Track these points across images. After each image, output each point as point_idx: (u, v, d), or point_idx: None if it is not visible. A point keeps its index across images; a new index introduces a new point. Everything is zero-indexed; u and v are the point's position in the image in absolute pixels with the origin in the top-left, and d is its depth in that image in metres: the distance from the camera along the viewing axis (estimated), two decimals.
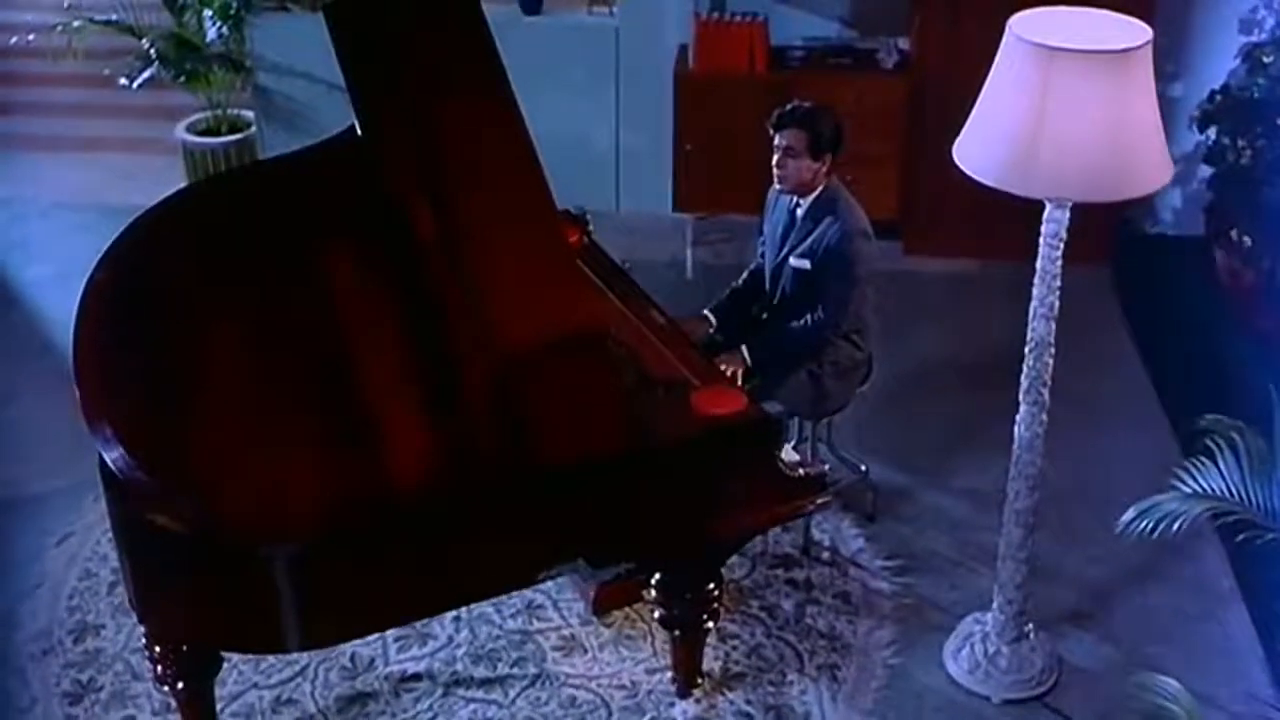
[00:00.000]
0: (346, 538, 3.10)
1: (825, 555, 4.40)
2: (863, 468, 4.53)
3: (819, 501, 3.63)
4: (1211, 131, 5.74)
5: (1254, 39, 5.69)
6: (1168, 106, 5.90)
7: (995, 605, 3.90)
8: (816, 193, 4.15)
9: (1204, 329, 5.45)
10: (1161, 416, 5.12)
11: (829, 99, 5.74)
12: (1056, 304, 3.50)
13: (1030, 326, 3.54)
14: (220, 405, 3.31)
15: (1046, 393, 3.59)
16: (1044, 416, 3.63)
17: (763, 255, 4.40)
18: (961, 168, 3.36)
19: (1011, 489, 3.75)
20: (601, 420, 3.31)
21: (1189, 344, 5.41)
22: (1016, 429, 3.67)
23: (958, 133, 5.91)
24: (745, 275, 4.43)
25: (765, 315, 4.30)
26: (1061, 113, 3.08)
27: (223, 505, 3.12)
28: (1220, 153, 5.68)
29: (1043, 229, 3.42)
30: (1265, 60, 5.51)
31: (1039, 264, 3.45)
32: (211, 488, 3.15)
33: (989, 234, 6.00)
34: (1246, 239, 5.09)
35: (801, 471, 3.55)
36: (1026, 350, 3.58)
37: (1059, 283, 3.48)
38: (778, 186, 4.20)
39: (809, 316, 4.11)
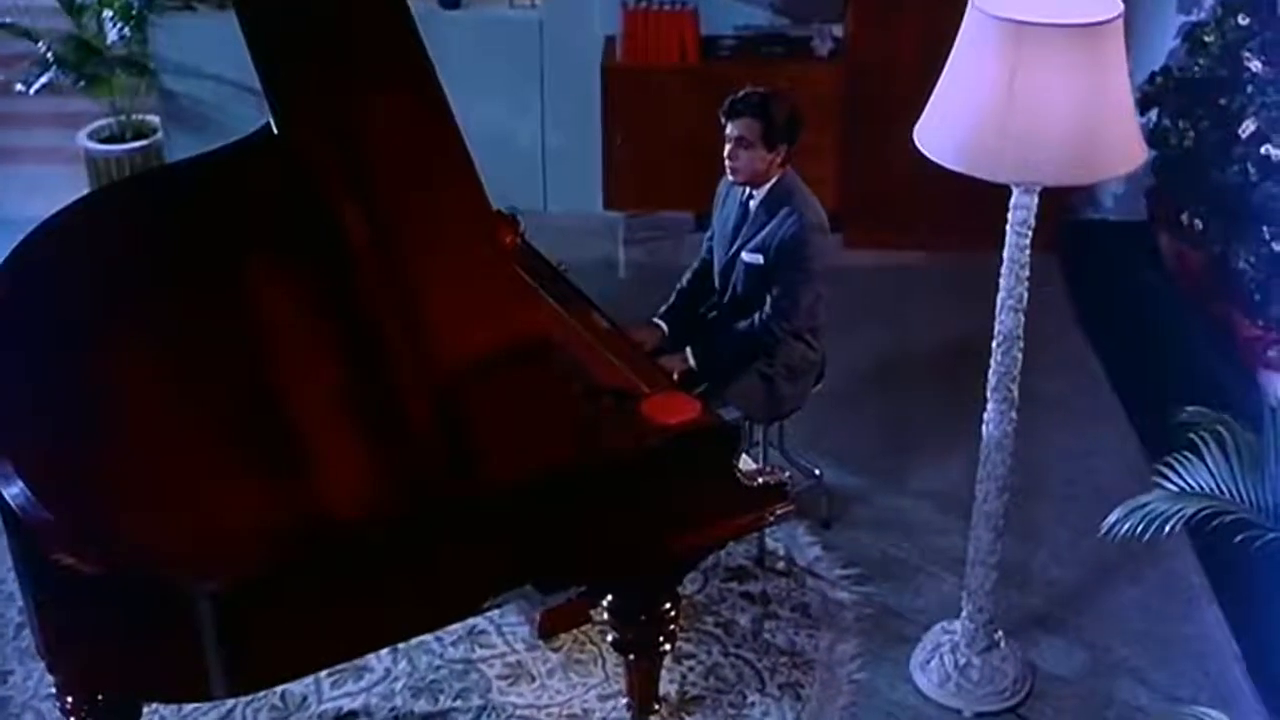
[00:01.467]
0: (280, 573, 2.84)
1: (781, 565, 4.19)
2: (817, 472, 4.33)
3: (780, 511, 3.41)
4: (1153, 114, 5.63)
5: (1193, 18, 5.57)
6: None
7: (964, 613, 3.72)
8: (770, 184, 3.95)
9: (1153, 315, 5.32)
10: (1117, 406, 4.99)
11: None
12: (1025, 295, 3.32)
13: (997, 319, 3.36)
14: (136, 433, 3.03)
15: (1015, 389, 3.41)
16: (1013, 414, 3.45)
17: (710, 251, 4.19)
18: (925, 152, 3.16)
19: (980, 490, 3.57)
20: (549, 434, 3.07)
21: (1139, 331, 5.28)
22: (985, 428, 3.49)
23: (897, 121, 5.74)
24: (689, 274, 4.21)
25: (714, 314, 4.08)
26: (1031, 92, 2.90)
27: (141, 542, 2.84)
28: (1163, 135, 5.54)
29: (1010, 216, 3.24)
30: (1206, 40, 5.38)
31: (1006, 253, 3.27)
32: (128, 524, 2.88)
33: (931, 225, 5.85)
34: (1198, 222, 4.95)
35: (760, 480, 3.34)
36: (994, 345, 3.40)
37: (1028, 273, 3.30)
38: (730, 179, 3.99)
39: (757, 314, 3.90)
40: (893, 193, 5.77)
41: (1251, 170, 4.89)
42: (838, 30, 5.71)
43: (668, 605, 3.42)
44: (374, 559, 2.95)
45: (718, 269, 4.09)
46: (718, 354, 3.88)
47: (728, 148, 3.93)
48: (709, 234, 4.22)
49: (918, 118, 5.78)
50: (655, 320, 4.10)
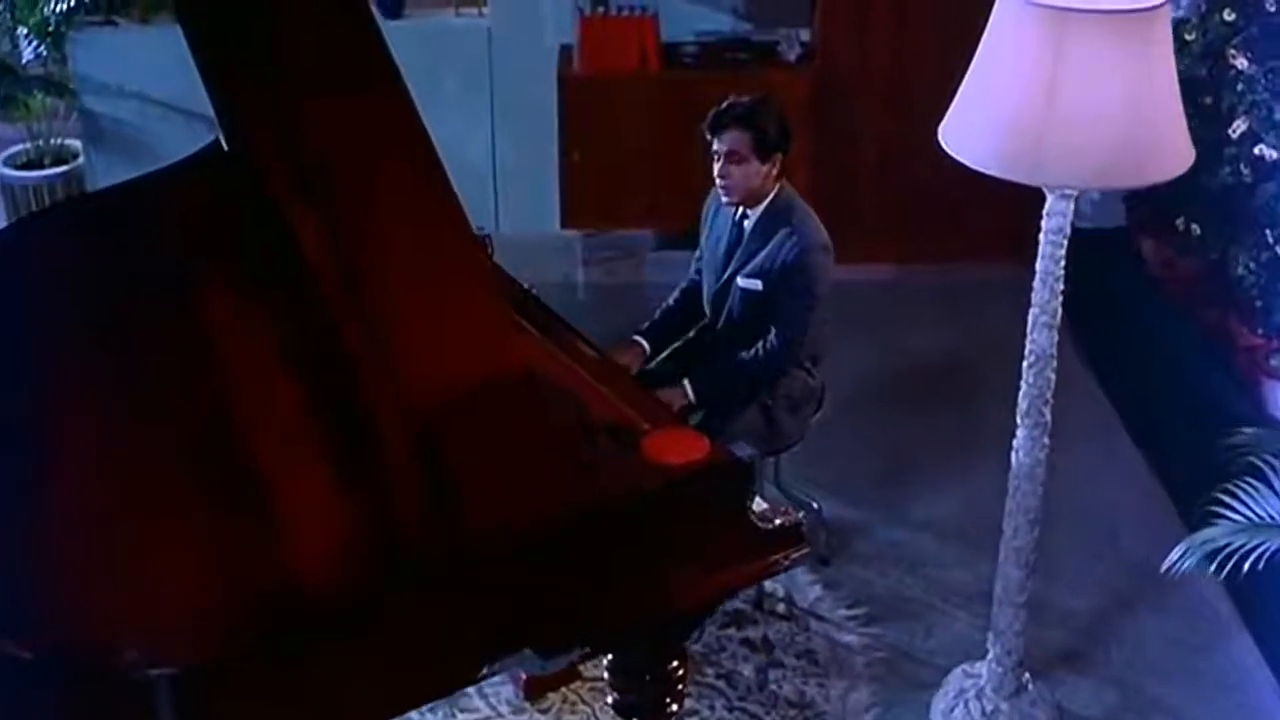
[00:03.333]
0: (245, 649, 2.48)
1: (781, 608, 3.88)
2: (815, 505, 4.02)
3: (795, 555, 3.09)
4: None
5: (1174, 15, 5.34)
6: None
7: (991, 656, 3.42)
8: (767, 201, 3.64)
9: (1145, 326, 5.08)
10: (1116, 422, 4.74)
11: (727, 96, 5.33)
12: (1059, 311, 3.04)
13: (1029, 338, 3.07)
14: (77, 488, 2.66)
15: (1049, 412, 3.13)
16: (1046, 440, 3.16)
17: (698, 273, 3.87)
18: (953, 155, 2.87)
19: (1008, 524, 3.28)
20: (543, 478, 2.73)
21: (1131, 343, 5.04)
22: (1014, 455, 3.21)
23: (869, 128, 5.59)
24: (676, 293, 3.90)
25: (707, 341, 3.76)
26: (1076, 87, 2.62)
27: (80, 618, 2.48)
28: None
29: (1044, 224, 2.96)
30: (1188, 38, 5.16)
31: (1040, 265, 2.99)
32: (68, 597, 2.51)
33: (906, 235, 5.60)
34: (1195, 227, 4.72)
35: (778, 521, 3.02)
36: (1025, 365, 3.11)
37: (1062, 286, 3.02)
38: (724, 198, 3.67)
39: (761, 344, 3.59)
40: (866, 203, 5.51)
41: (1245, 172, 4.67)
42: (805, 34, 5.43)
43: (675, 664, 3.08)
44: (350, 628, 2.59)
45: (709, 294, 3.77)
46: (716, 386, 3.55)
47: (717, 165, 3.62)
48: (697, 254, 3.90)
49: (890, 125, 5.63)
50: (635, 338, 3.77)
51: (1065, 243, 2.95)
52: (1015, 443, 3.17)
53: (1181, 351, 4.91)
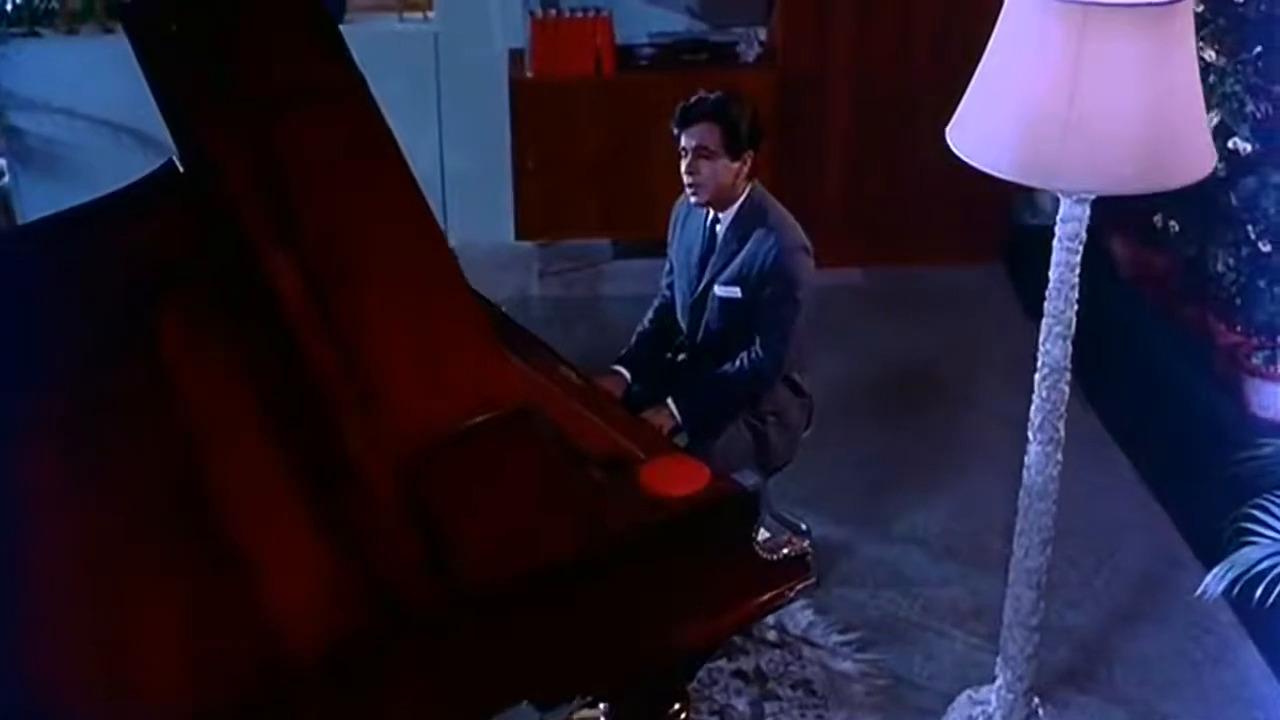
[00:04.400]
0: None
1: (772, 635, 3.70)
2: (803, 527, 3.86)
3: (800, 586, 2.91)
4: None
5: None
6: None
7: (1000, 682, 3.27)
8: (738, 203, 3.46)
9: (1118, 326, 4.96)
10: (1099, 428, 4.61)
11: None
12: (1074, 320, 2.89)
13: (1041, 349, 2.92)
14: (32, 550, 2.42)
15: (1062, 427, 2.97)
16: (1059, 456, 3.01)
17: (669, 289, 3.69)
18: (963, 158, 2.71)
19: (1019, 545, 3.12)
20: (542, 521, 2.53)
21: (1108, 344, 4.91)
22: (1026, 473, 3.05)
23: (832, 130, 5.43)
24: (650, 315, 3.70)
25: (684, 358, 3.58)
26: (1098, 85, 2.46)
27: (44, 697, 2.24)
28: None
29: (1057, 230, 2.81)
30: None
31: (1053, 273, 2.84)
32: (25, 672, 2.28)
33: (869, 238, 5.45)
34: (1173, 224, 4.61)
35: (785, 552, 2.84)
36: (1037, 378, 2.95)
37: (1077, 294, 2.87)
38: (692, 199, 3.49)
39: (744, 356, 3.41)
40: (830, 206, 5.35)
41: (1219, 166, 4.56)
42: (763, 34, 5.26)
43: (677, 706, 2.90)
44: (338, 689, 2.38)
45: (683, 306, 3.58)
46: (702, 405, 3.37)
47: (685, 162, 3.44)
48: (666, 269, 3.72)
49: (853, 126, 5.48)
50: (616, 368, 3.57)
51: (1081, 249, 2.80)
52: (1027, 459, 3.02)
53: (1160, 352, 4.81)
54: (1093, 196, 2.74)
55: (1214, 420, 4.55)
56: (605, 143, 5.11)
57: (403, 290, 2.59)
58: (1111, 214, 5.30)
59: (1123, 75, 2.45)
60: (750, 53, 5.15)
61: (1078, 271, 2.83)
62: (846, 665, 3.62)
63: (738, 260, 3.44)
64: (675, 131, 3.44)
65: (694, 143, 3.40)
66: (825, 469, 4.27)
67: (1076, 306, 2.87)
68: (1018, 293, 5.35)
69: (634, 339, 3.66)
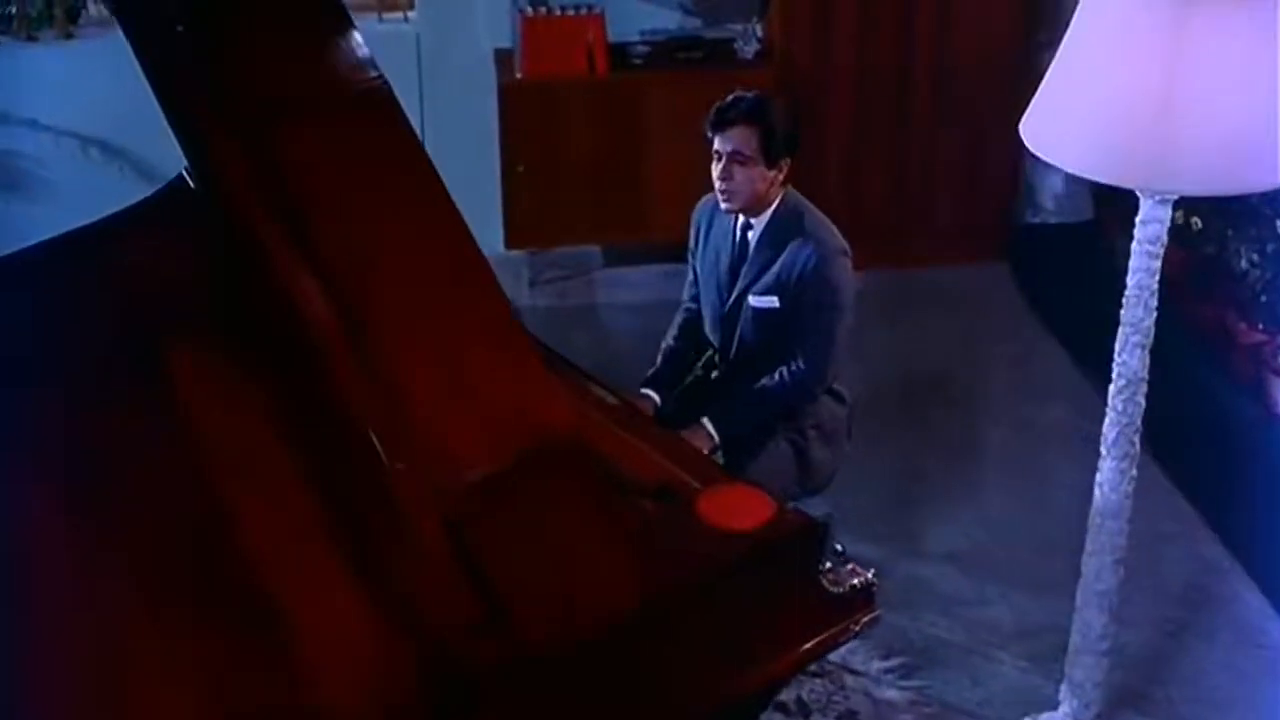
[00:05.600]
0: None
1: (812, 665, 3.51)
2: (839, 548, 3.65)
3: (867, 619, 2.73)
4: None
5: None
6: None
7: (1065, 710, 3.10)
8: (772, 208, 3.27)
9: None
10: None
11: (683, 99, 4.95)
12: (1153, 330, 2.72)
13: (1117, 360, 2.75)
14: (36, 621, 2.18)
15: (1138, 441, 2.80)
16: (1134, 472, 2.84)
17: (694, 300, 3.48)
18: (1038, 154, 2.53)
19: (1090, 566, 2.95)
20: (605, 566, 2.32)
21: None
22: (1098, 490, 2.88)
23: (833, 126, 5.25)
24: (674, 332, 3.48)
25: (717, 374, 3.38)
26: (1200, 78, 2.29)
27: None
28: None
29: (1137, 233, 2.63)
30: None
31: (1131, 279, 2.66)
32: None
33: (870, 239, 5.23)
34: (1195, 221, 4.46)
35: (853, 583, 2.65)
36: (1112, 390, 2.78)
37: (1156, 301, 2.70)
38: (724, 206, 3.29)
39: (784, 369, 3.21)
40: (827, 206, 5.12)
41: None
42: (761, 30, 5.07)
43: None
44: None
45: (713, 318, 3.38)
46: (741, 424, 3.17)
47: (718, 168, 3.24)
48: (690, 278, 3.51)
49: (853, 124, 5.31)
50: (645, 391, 3.36)
51: (1162, 252, 2.62)
52: (1099, 477, 2.85)
53: (1176, 351, 4.64)
54: (1176, 196, 2.56)
55: (1240, 422, 4.42)
56: (599, 145, 4.90)
57: (440, 312, 2.37)
58: (1121, 211, 5.20)
59: (1228, 63, 2.27)
60: (748, 50, 4.95)
61: (1157, 277, 2.65)
62: (892, 694, 3.43)
63: (775, 268, 3.25)
64: (709, 134, 3.24)
65: (729, 147, 3.20)
66: (847, 484, 4.06)
67: (1154, 312, 2.69)
68: (1022, 292, 5.21)
69: (660, 357, 3.45)
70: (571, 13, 4.80)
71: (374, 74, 2.50)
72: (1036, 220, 5.57)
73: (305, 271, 2.29)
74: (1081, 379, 4.69)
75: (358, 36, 2.55)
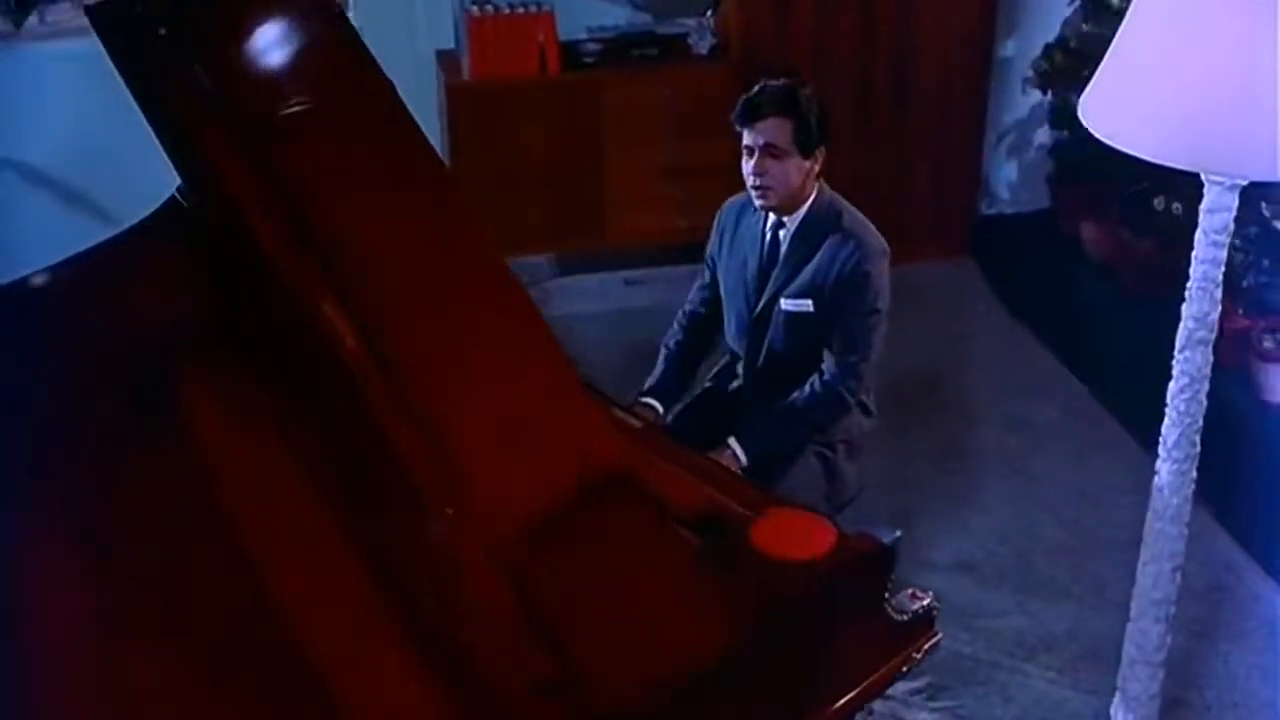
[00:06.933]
0: None
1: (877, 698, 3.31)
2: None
3: (928, 646, 2.55)
4: (1051, 92, 5.07)
5: None
6: (1000, 69, 5.19)
7: None
8: (807, 205, 3.06)
9: (1109, 318, 4.69)
10: (1113, 424, 4.33)
11: (640, 97, 4.75)
12: (1216, 324, 2.56)
13: (1179, 355, 2.59)
14: (41, 694, 1.91)
15: (1198, 442, 2.64)
16: (1194, 474, 2.68)
17: (704, 303, 3.25)
18: (1102, 138, 2.37)
19: (1147, 574, 2.79)
20: (681, 611, 2.11)
21: (1103, 336, 4.64)
22: (1157, 495, 2.71)
23: None
24: (679, 334, 3.25)
25: (740, 385, 3.16)
26: (1274, 60, 2.12)
27: None
28: (1074, 114, 4.95)
29: (1203, 223, 2.47)
30: (1113, 2, 4.81)
31: (1196, 270, 2.50)
32: None
33: None
34: (1176, 205, 4.34)
35: (915, 608, 2.47)
36: (1173, 389, 2.62)
37: (1221, 293, 2.54)
38: (758, 203, 3.07)
39: (815, 380, 3.00)
40: None
41: None
42: (714, 24, 4.86)
43: None
44: None
45: (738, 325, 3.15)
46: (772, 442, 2.95)
47: (750, 163, 3.02)
48: (705, 278, 3.27)
49: None
50: (644, 400, 3.13)
51: (1227, 243, 2.46)
52: (1157, 480, 2.69)
53: (1158, 340, 4.54)
54: (1245, 182, 2.41)
55: (1227, 408, 4.32)
56: (553, 148, 4.67)
57: (477, 340, 2.15)
58: (1084, 199, 5.09)
59: None
60: (703, 45, 4.75)
61: (1222, 268, 2.49)
62: (924, 716, 3.25)
63: (809, 269, 3.03)
64: (737, 128, 3.02)
65: (762, 140, 2.99)
66: None
67: (1218, 306, 2.53)
68: (992, 287, 5.08)
69: (662, 363, 3.21)
70: (521, 11, 4.55)
71: (382, 80, 2.27)
72: (993, 211, 5.45)
73: (330, 300, 2.04)
74: (1067, 374, 4.58)
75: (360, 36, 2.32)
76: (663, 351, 3.24)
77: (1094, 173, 4.91)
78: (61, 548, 1.94)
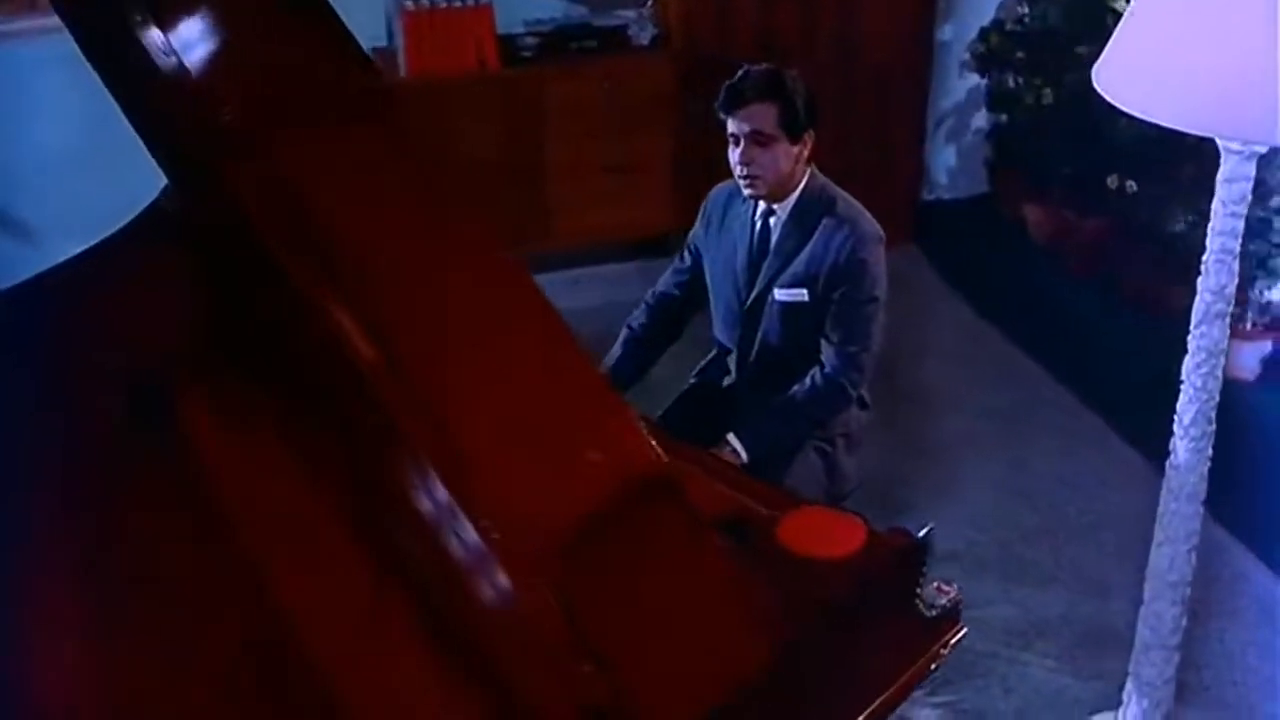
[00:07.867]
0: None
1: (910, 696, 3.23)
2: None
3: (954, 641, 2.47)
4: (988, 76, 5.05)
5: None
6: (938, 52, 5.15)
7: (1135, 711, 2.88)
8: (798, 191, 2.96)
9: (1056, 296, 4.66)
10: (1079, 408, 4.30)
11: (581, 91, 4.63)
12: (1234, 296, 2.50)
13: (1196, 330, 2.53)
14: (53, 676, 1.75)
15: (1214, 420, 2.59)
16: (1210, 451, 2.62)
17: (680, 286, 3.13)
18: (1119, 104, 2.30)
19: (1162, 556, 2.73)
20: (727, 621, 1.99)
21: (1061, 321, 4.60)
22: (1172, 473, 2.65)
23: None
24: (643, 316, 3.12)
25: (733, 380, 3.05)
26: None
27: None
28: (1012, 97, 4.95)
29: (1220, 193, 2.41)
30: None
31: (1213, 242, 2.44)
32: None
33: None
34: (1130, 184, 4.32)
35: (943, 603, 2.39)
36: (1190, 365, 2.56)
37: (1238, 265, 2.48)
38: (747, 192, 2.97)
39: (815, 372, 2.90)
40: None
41: None
42: (652, 15, 4.75)
43: None
44: None
45: (727, 318, 3.05)
46: (772, 438, 2.85)
47: (737, 152, 2.93)
48: (684, 261, 3.15)
49: None
50: None
51: (1245, 213, 2.41)
52: (1173, 459, 2.63)
53: (1115, 323, 4.51)
54: (1264, 149, 2.35)
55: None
56: (494, 146, 4.52)
57: (499, 344, 2.01)
58: (1025, 182, 5.06)
59: None
60: (643, 36, 4.64)
61: (1240, 240, 2.44)
62: (926, 713, 3.17)
63: (802, 257, 2.94)
64: (722, 116, 2.91)
65: (748, 127, 2.89)
66: None
67: (1235, 278, 2.48)
68: (940, 273, 5.03)
69: (620, 345, 3.08)
70: (459, 5, 4.40)
71: (376, 74, 2.13)
72: (933, 197, 5.41)
73: (341, 307, 1.89)
74: (1023, 357, 4.54)
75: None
76: (624, 333, 3.11)
77: (1034, 155, 4.91)
78: (60, 553, 1.78)
